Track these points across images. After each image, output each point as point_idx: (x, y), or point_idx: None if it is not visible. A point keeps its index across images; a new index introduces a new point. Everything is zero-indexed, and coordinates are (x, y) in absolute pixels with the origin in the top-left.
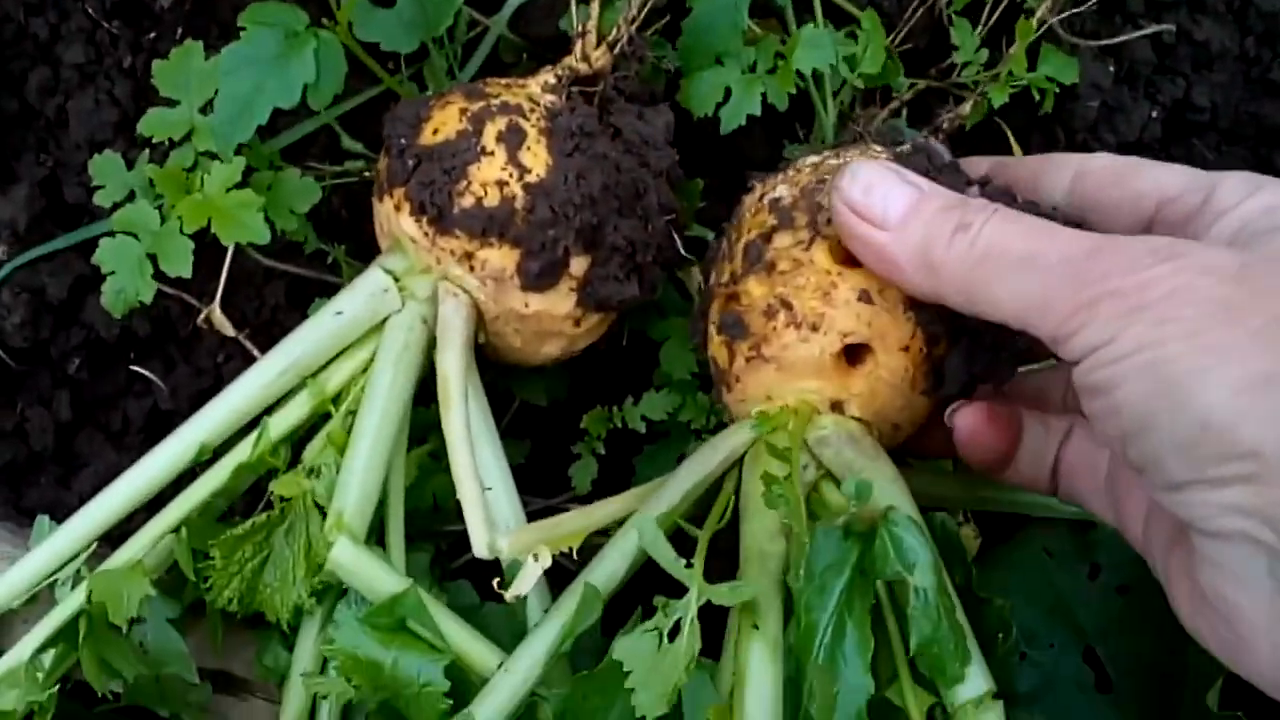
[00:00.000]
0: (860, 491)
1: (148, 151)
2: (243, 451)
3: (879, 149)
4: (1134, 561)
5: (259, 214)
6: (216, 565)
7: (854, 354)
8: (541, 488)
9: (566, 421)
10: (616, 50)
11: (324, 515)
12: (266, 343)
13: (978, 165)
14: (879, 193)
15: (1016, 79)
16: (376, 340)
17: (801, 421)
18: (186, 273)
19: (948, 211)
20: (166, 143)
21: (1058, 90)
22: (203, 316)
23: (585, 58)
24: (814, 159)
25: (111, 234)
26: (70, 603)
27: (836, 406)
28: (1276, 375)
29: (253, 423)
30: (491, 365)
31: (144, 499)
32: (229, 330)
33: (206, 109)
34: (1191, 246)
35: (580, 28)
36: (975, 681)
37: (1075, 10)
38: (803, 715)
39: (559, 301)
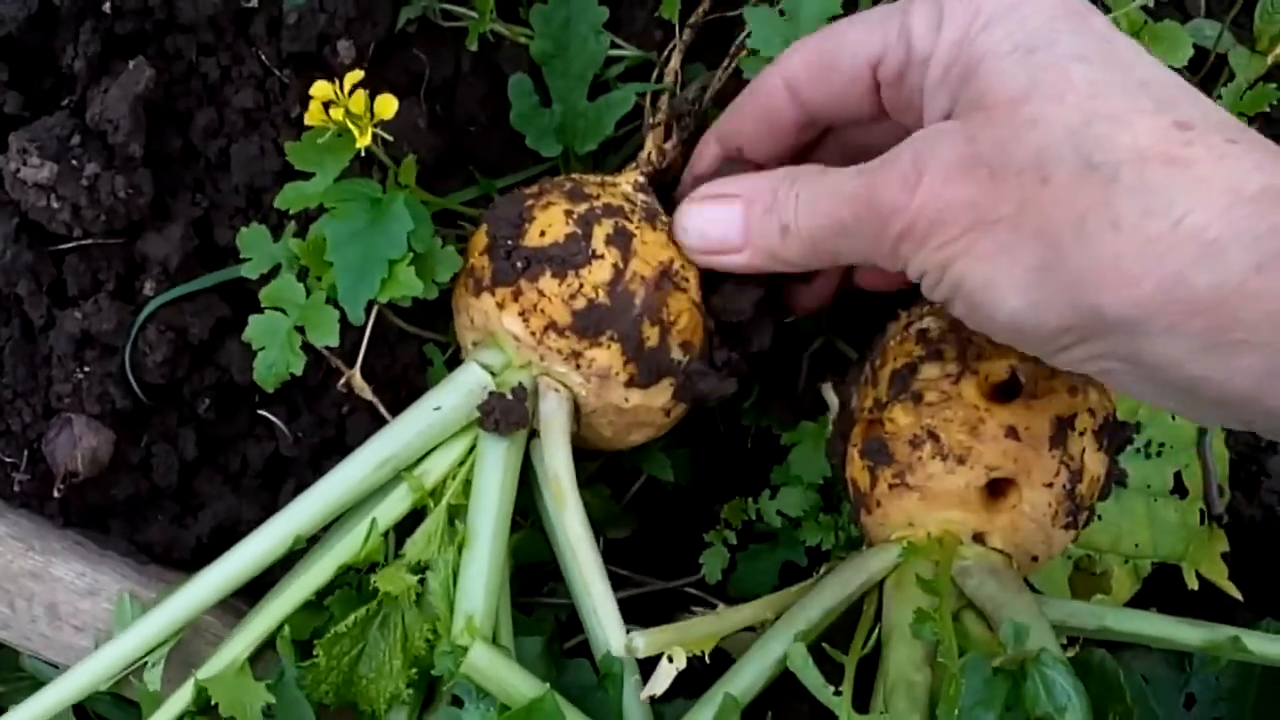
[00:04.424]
0: (1018, 635)
1: (293, 224)
2: (347, 548)
3: None
4: (1229, 695)
5: (410, 269)
6: (320, 664)
7: (998, 488)
8: (654, 568)
9: (678, 503)
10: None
11: (419, 605)
12: (393, 399)
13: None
14: (714, 229)
15: None
16: (473, 433)
17: (948, 554)
18: (334, 342)
19: (768, 215)
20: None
21: None
22: (343, 380)
23: (661, 151)
24: None
25: (251, 309)
26: (175, 704)
27: (979, 538)
28: (1048, 261)
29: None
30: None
31: (238, 585)
32: (368, 395)
33: (344, 175)
34: (925, 155)
35: (650, 121)
36: None
37: None
38: None
39: (658, 395)
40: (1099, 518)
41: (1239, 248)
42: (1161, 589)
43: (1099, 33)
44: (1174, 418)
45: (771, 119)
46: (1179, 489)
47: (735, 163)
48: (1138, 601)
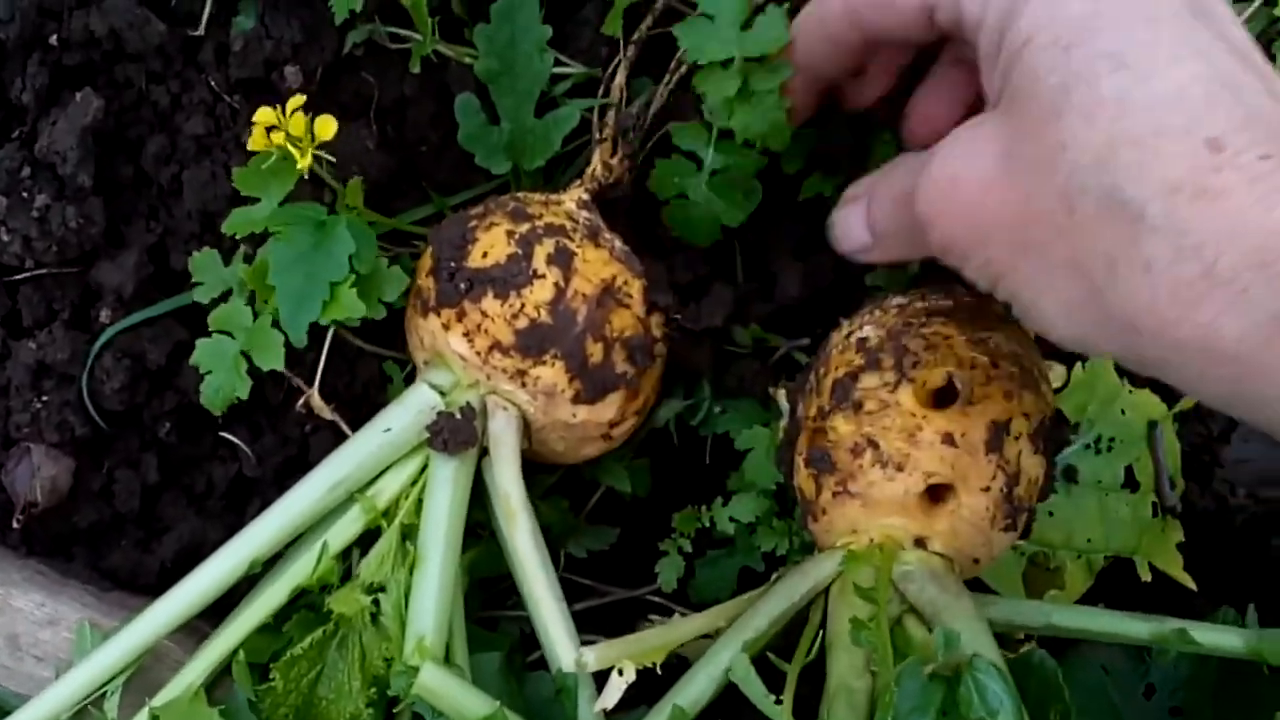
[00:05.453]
0: (949, 641)
1: (245, 248)
2: (299, 571)
3: (962, 289)
4: (1188, 684)
5: (351, 290)
6: (278, 688)
7: (937, 493)
8: (619, 577)
9: (644, 513)
10: (633, 156)
11: (375, 625)
12: (354, 417)
13: None
14: (848, 237)
15: None
16: (424, 453)
17: (887, 562)
18: (279, 365)
19: (865, 218)
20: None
21: None
22: (302, 401)
23: (607, 166)
24: (900, 300)
25: (208, 333)
26: None
27: (920, 542)
28: (1085, 297)
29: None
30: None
31: (194, 612)
32: (327, 414)
33: (288, 200)
34: (962, 167)
35: (598, 135)
36: None
37: None
38: None
39: (605, 410)
40: (1050, 514)
41: (1268, 296)
42: (1118, 582)
43: (1145, 14)
44: (1124, 412)
45: (838, 44)
46: (1130, 483)
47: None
48: (1094, 595)
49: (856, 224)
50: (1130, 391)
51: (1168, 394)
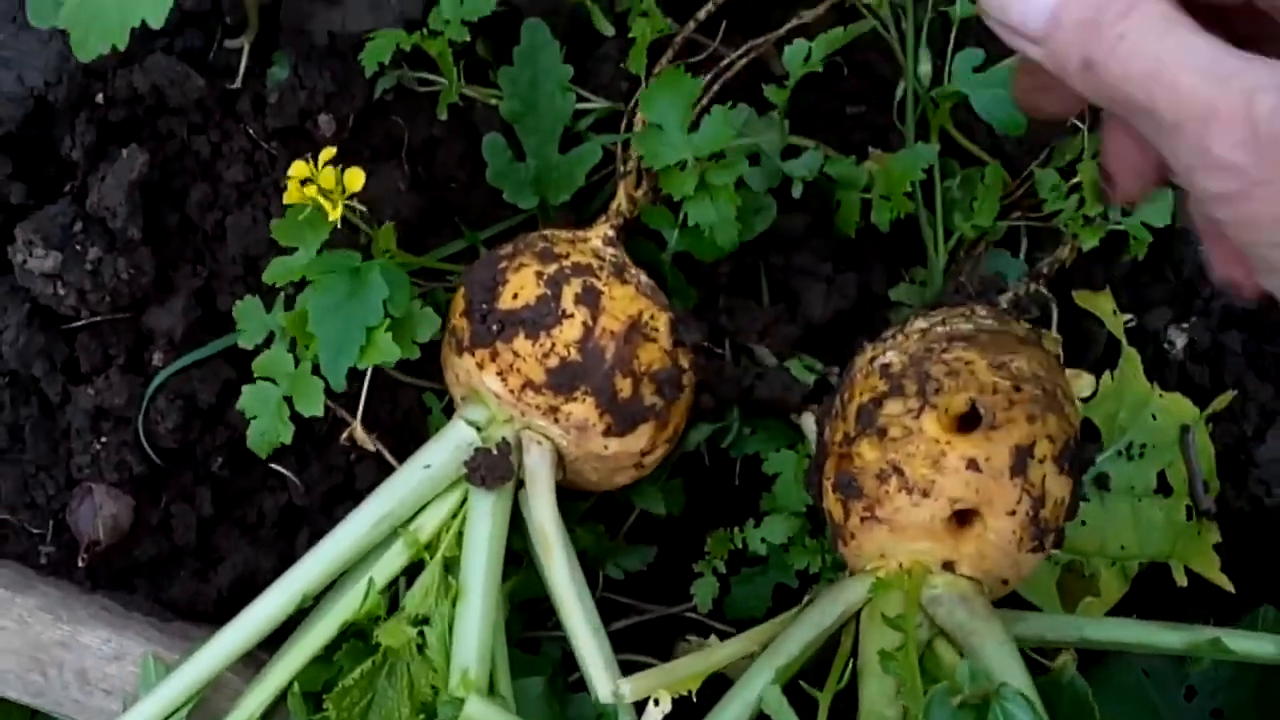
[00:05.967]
0: (974, 676)
1: (285, 291)
2: (348, 606)
3: (983, 312)
4: (1229, 684)
5: (387, 335)
6: (331, 717)
7: (964, 518)
8: (658, 593)
9: (675, 531)
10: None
11: (422, 655)
12: (397, 444)
13: None
14: (1017, 6)
15: (1110, 224)
16: (464, 487)
17: (915, 588)
18: (319, 412)
19: (1078, 31)
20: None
21: (1151, 238)
22: (346, 434)
23: (631, 200)
24: (922, 324)
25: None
26: None
27: (948, 566)
28: None
29: None
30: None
31: (250, 646)
32: (370, 446)
33: (323, 248)
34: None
35: (622, 169)
36: None
37: None
38: None
39: (636, 441)
40: (1083, 522)
41: None
42: (1155, 586)
43: None
44: (1154, 417)
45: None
46: (1163, 488)
47: None
48: (1131, 599)
49: (1037, 10)
50: (1160, 396)
51: (1199, 396)
